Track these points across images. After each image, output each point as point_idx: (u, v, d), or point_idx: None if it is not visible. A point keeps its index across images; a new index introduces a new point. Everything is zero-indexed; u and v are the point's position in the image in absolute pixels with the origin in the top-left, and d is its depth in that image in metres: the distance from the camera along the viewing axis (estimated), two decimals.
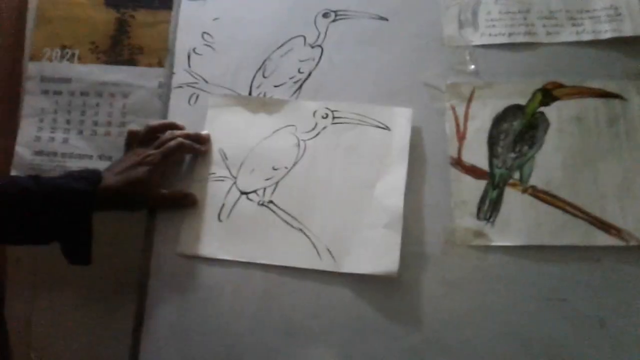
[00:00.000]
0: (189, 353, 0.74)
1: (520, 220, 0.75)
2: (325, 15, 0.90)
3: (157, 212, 0.80)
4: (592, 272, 0.72)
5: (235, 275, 0.76)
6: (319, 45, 0.88)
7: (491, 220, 0.75)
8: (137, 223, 0.82)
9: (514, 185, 0.77)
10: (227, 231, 0.78)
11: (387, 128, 0.80)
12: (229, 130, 0.83)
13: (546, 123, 0.80)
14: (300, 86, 0.85)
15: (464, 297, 0.73)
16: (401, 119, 0.81)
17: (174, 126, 0.82)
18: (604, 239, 0.73)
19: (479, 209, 0.76)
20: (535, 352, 0.70)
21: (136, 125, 0.91)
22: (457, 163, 0.79)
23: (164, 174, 0.80)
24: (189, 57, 0.89)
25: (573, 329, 0.70)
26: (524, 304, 0.72)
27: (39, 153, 0.96)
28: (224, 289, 0.76)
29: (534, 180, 0.77)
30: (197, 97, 0.86)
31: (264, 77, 0.87)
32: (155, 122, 0.83)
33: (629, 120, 0.79)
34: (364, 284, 0.74)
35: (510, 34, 0.86)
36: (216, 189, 0.80)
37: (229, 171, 0.81)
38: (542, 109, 0.81)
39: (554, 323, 0.71)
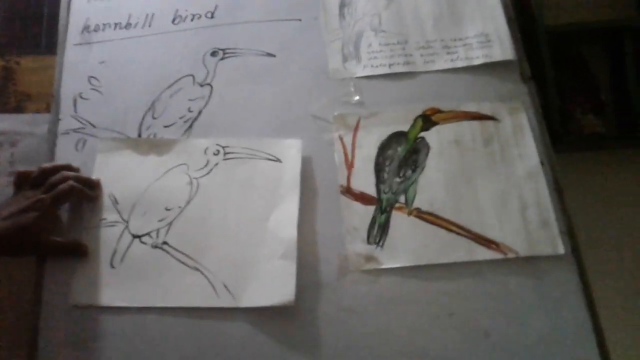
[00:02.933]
0: None
1: (407, 242, 0.78)
2: (213, 54, 0.91)
3: (45, 261, 0.78)
4: (477, 286, 0.76)
5: (132, 322, 0.75)
6: (209, 84, 0.89)
7: (381, 244, 0.78)
8: (25, 272, 0.79)
9: (400, 208, 0.80)
10: (120, 277, 0.77)
11: (278, 160, 0.82)
12: (119, 174, 0.82)
13: (427, 147, 0.84)
14: (191, 125, 0.86)
15: (360, 321, 0.75)
16: (291, 150, 0.83)
17: (68, 168, 0.81)
18: (485, 254, 0.77)
19: (369, 234, 0.79)
20: None
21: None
22: (347, 191, 0.82)
23: (55, 219, 0.78)
24: (74, 102, 0.88)
25: (462, 341, 0.73)
26: (416, 321, 0.75)
27: None
28: (121, 337, 0.74)
29: (418, 203, 0.81)
30: (85, 142, 0.85)
31: (153, 118, 0.87)
32: (48, 164, 0.81)
33: (503, 139, 0.85)
34: (262, 316, 0.75)
35: (390, 65, 0.91)
36: (108, 235, 0.79)
37: (120, 215, 0.80)
38: (423, 134, 0.85)
39: (445, 337, 0.74)
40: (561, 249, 0.77)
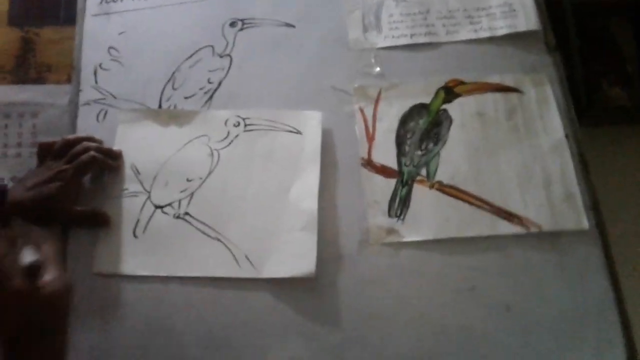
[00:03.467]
0: None
1: (428, 216, 0.78)
2: (232, 24, 0.90)
3: (70, 230, 0.78)
4: (498, 260, 0.76)
5: (155, 291, 0.76)
6: (228, 55, 0.89)
7: (402, 217, 0.78)
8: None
9: (421, 181, 0.80)
10: (143, 247, 0.77)
11: (298, 132, 0.82)
12: (140, 144, 0.82)
13: (449, 119, 0.83)
14: (211, 96, 0.86)
15: (380, 294, 0.75)
16: (312, 122, 0.82)
17: (90, 139, 0.81)
18: (507, 228, 0.77)
19: (390, 207, 0.79)
20: (450, 338, 0.73)
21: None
22: (368, 164, 0.81)
23: (77, 189, 0.79)
24: (95, 73, 0.88)
25: (482, 315, 0.73)
26: (436, 295, 0.75)
27: None
28: (143, 305, 0.75)
29: (440, 176, 0.80)
30: (106, 113, 0.85)
31: (173, 89, 0.86)
32: (71, 135, 0.81)
33: (526, 111, 0.84)
34: (283, 288, 0.75)
35: (412, 35, 0.89)
36: (130, 205, 0.79)
37: (142, 186, 0.80)
38: (445, 106, 0.84)
39: (465, 311, 0.74)
40: (585, 224, 0.76)
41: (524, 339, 0.72)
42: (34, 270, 0.54)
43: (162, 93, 0.86)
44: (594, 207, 0.78)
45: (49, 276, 0.55)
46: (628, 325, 0.72)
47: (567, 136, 0.82)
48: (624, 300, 0.73)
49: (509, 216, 0.77)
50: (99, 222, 0.78)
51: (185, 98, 0.86)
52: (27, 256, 0.55)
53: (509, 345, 0.72)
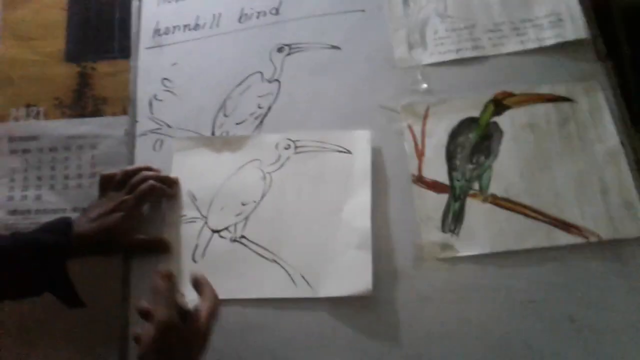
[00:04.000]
0: None
1: (483, 229, 0.77)
2: (279, 50, 0.93)
3: (132, 258, 0.81)
4: (558, 272, 0.74)
5: None
6: (277, 80, 0.91)
7: (456, 231, 0.78)
8: (114, 269, 0.83)
9: (474, 195, 0.79)
10: (203, 271, 0.78)
11: (348, 152, 0.83)
12: (196, 171, 0.85)
13: (500, 132, 0.83)
14: (262, 121, 0.88)
15: (438, 310, 0.74)
16: (361, 142, 0.83)
17: (148, 169, 0.84)
18: (565, 239, 0.76)
19: (444, 222, 0.79)
20: (513, 354, 0.72)
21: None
22: (419, 180, 0.81)
23: (138, 218, 0.81)
24: (150, 104, 0.91)
25: (545, 328, 0.72)
26: (495, 309, 0.74)
27: (12, 212, 0.97)
28: None
29: (493, 189, 0.79)
30: (162, 142, 0.88)
31: (225, 116, 0.89)
32: (131, 166, 0.85)
33: (579, 120, 0.82)
34: (340, 306, 0.75)
35: (458, 50, 0.89)
36: (188, 231, 0.82)
37: (199, 212, 0.82)
38: (495, 119, 0.84)
39: (527, 324, 0.72)
40: None
41: (590, 350, 0.70)
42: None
43: (214, 120, 0.89)
44: None
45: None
46: None
47: (622, 143, 0.80)
48: None
49: (566, 226, 0.76)
50: (160, 248, 0.81)
51: (237, 124, 0.88)
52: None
53: (574, 357, 0.70)
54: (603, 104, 0.82)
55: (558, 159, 0.80)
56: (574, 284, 0.73)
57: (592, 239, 0.75)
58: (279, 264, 0.78)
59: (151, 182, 0.80)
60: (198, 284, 0.68)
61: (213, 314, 0.65)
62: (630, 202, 0.76)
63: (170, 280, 0.63)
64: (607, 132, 0.81)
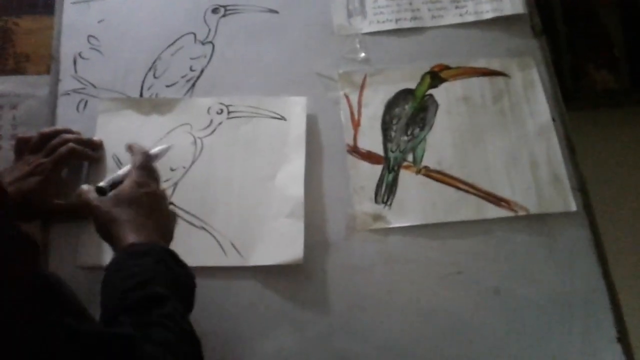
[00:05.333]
0: None
1: (415, 201, 0.77)
2: (214, 10, 0.89)
3: (51, 223, 0.77)
4: (486, 244, 0.75)
5: None
6: (210, 42, 0.87)
7: (388, 203, 0.77)
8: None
9: (408, 167, 0.79)
10: None
11: (282, 118, 0.81)
12: (122, 134, 0.81)
13: (435, 105, 0.83)
14: (194, 84, 0.85)
15: (368, 280, 0.74)
16: (296, 108, 0.81)
17: (67, 131, 0.79)
18: (495, 212, 0.76)
19: (377, 193, 0.78)
20: (439, 323, 0.72)
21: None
22: (354, 150, 0.80)
23: (57, 182, 0.77)
24: (74, 62, 0.86)
25: (470, 299, 0.73)
26: (424, 280, 0.74)
27: None
28: None
29: (427, 161, 0.79)
30: (86, 103, 0.84)
31: (154, 77, 0.85)
32: (47, 128, 0.80)
33: (513, 95, 0.83)
34: (271, 275, 0.74)
35: (397, 20, 0.88)
36: None
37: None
38: (431, 91, 0.83)
39: (453, 295, 0.73)
40: (573, 206, 0.76)
41: (513, 321, 0.72)
42: None
43: (143, 82, 0.85)
44: (581, 189, 0.78)
45: None
46: (617, 305, 0.72)
47: (553, 119, 0.81)
48: (613, 280, 0.73)
49: (496, 200, 0.77)
50: (82, 214, 0.76)
51: (167, 86, 0.84)
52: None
53: (498, 328, 0.71)
54: (536, 79, 0.83)
55: (491, 133, 0.81)
56: (501, 256, 0.74)
57: (521, 213, 0.76)
58: (208, 231, 0.76)
59: (71, 144, 0.76)
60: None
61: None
62: (559, 178, 0.78)
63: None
64: (539, 107, 0.82)
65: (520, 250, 0.75)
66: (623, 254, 1.15)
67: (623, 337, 0.71)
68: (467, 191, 0.77)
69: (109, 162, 0.80)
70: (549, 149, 0.80)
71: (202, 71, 0.85)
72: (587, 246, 0.75)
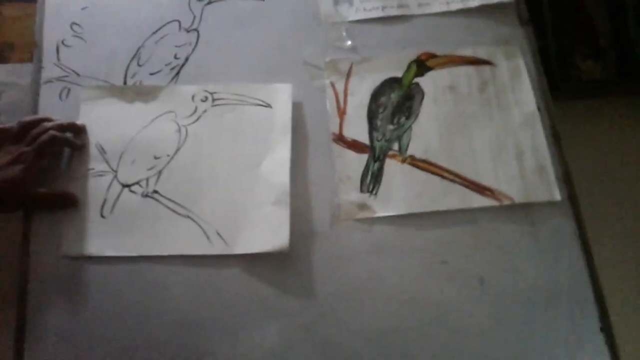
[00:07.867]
0: (79, 357, 0.72)
1: (401, 190, 0.77)
2: None
3: (33, 212, 0.76)
4: (471, 233, 0.75)
5: (124, 272, 0.74)
6: (195, 29, 0.86)
7: (374, 192, 0.77)
8: (14, 225, 0.78)
9: (393, 156, 0.79)
10: (111, 227, 0.75)
11: (268, 105, 0.80)
12: (105, 122, 0.80)
13: (421, 93, 0.82)
14: (178, 72, 0.84)
15: (353, 270, 0.74)
16: (282, 95, 0.81)
17: (47, 120, 0.78)
18: (480, 201, 0.76)
19: (362, 182, 0.78)
20: (423, 313, 0.72)
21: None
22: (339, 139, 0.80)
23: (40, 171, 0.76)
24: (57, 49, 0.85)
25: (455, 288, 0.73)
26: (409, 270, 0.74)
27: None
28: (112, 286, 0.74)
29: (413, 150, 0.79)
30: (69, 91, 0.82)
31: (138, 65, 0.84)
32: (27, 117, 0.79)
33: (499, 84, 0.83)
34: (256, 263, 0.74)
35: (384, 8, 0.88)
36: (97, 185, 0.77)
37: (108, 165, 0.78)
38: (417, 79, 0.83)
39: (438, 285, 0.73)
40: (557, 196, 0.76)
41: (498, 311, 0.72)
42: None
43: (126, 70, 0.84)
44: (566, 179, 0.78)
45: None
46: (601, 295, 0.73)
47: (539, 109, 0.81)
48: (597, 270, 0.73)
49: (481, 189, 0.77)
50: (67, 203, 0.76)
51: (151, 74, 0.83)
52: None
53: (483, 317, 0.72)
54: (522, 68, 0.83)
55: (476, 122, 0.81)
56: (485, 246, 0.75)
57: (505, 202, 0.76)
58: (193, 219, 0.75)
59: (52, 132, 0.75)
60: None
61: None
62: (544, 167, 0.78)
63: None
64: (525, 96, 0.82)
65: (505, 240, 0.75)
66: (607, 244, 1.16)
67: (606, 327, 0.71)
68: (452, 180, 0.77)
69: (92, 150, 0.79)
70: (534, 139, 0.80)
71: (186, 59, 0.84)
72: (571, 236, 0.75)
